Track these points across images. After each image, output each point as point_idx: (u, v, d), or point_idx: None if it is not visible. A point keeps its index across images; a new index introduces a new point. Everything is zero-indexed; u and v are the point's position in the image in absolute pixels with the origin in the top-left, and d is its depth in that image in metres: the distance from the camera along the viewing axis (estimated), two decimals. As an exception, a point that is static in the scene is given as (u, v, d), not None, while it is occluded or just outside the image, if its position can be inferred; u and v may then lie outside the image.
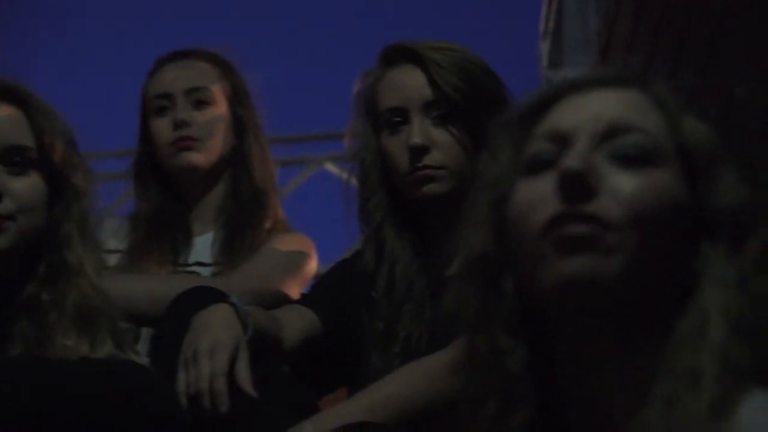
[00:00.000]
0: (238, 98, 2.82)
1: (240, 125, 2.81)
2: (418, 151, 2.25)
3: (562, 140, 1.29)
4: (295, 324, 2.29)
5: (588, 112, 1.30)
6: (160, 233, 2.75)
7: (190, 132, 2.74)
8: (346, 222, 2.38)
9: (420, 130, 2.26)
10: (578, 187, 1.23)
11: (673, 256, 1.25)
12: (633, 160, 1.26)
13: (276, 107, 2.99)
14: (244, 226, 2.74)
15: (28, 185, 2.06)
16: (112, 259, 2.74)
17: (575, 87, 1.34)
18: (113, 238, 2.79)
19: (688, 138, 1.29)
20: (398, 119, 2.29)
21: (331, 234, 2.92)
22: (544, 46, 3.98)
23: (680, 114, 1.31)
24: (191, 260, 2.76)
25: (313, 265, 2.74)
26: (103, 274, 2.16)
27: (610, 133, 1.28)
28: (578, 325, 1.26)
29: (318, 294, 2.42)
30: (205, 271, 2.72)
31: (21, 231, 2.03)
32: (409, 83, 2.29)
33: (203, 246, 2.77)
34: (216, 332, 2.05)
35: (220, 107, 2.80)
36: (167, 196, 2.79)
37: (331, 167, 5.69)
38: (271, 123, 2.94)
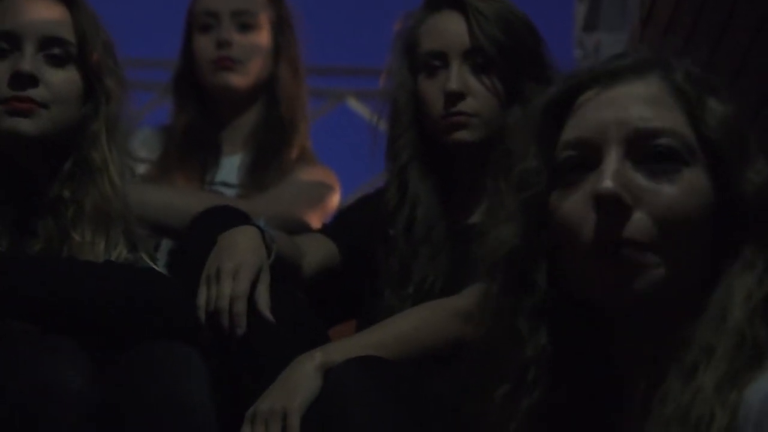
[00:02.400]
0: (281, 27, 2.85)
1: (278, 53, 2.84)
2: (454, 97, 2.26)
3: (590, 148, 1.32)
4: (316, 252, 2.33)
5: (612, 116, 1.32)
6: (191, 149, 2.79)
7: (231, 52, 2.78)
8: (370, 159, 2.40)
9: (458, 76, 2.27)
10: (615, 208, 1.28)
11: (708, 249, 1.30)
12: (664, 164, 1.30)
13: (304, 35, 3.02)
14: (272, 152, 2.77)
15: (64, 77, 2.11)
16: (141, 168, 2.78)
17: (595, 80, 1.36)
18: (143, 147, 2.83)
19: (710, 129, 1.32)
20: (437, 63, 2.30)
21: (347, 170, 2.95)
22: (581, 8, 3.98)
23: (701, 102, 1.33)
24: (217, 179, 2.80)
25: (335, 199, 2.78)
26: (129, 180, 2.21)
27: (638, 138, 1.31)
28: (623, 320, 1.33)
29: (340, 226, 2.45)
30: (229, 192, 2.76)
31: (53, 121, 2.08)
32: (452, 29, 2.30)
33: (230, 167, 2.80)
34: (241, 253, 2.08)
35: (264, 33, 2.83)
36: (202, 113, 2.82)
37: (353, 103, 5.66)
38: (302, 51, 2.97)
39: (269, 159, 2.77)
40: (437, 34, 2.31)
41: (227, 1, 2.83)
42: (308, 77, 3.00)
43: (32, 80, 2.07)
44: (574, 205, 1.31)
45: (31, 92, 2.07)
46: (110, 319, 1.96)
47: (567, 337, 1.35)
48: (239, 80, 2.80)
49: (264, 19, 2.84)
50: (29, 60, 2.07)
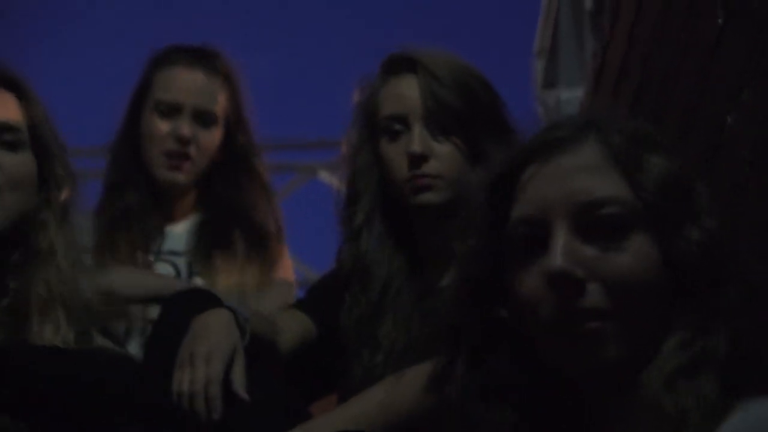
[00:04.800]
0: (239, 124, 2.86)
1: (243, 151, 2.85)
2: (417, 159, 2.28)
3: (539, 225, 1.35)
4: (292, 329, 2.33)
5: (555, 192, 1.34)
6: (136, 225, 2.78)
7: (188, 150, 2.79)
8: (335, 230, 2.41)
9: (420, 138, 2.29)
10: (568, 284, 1.30)
11: (665, 303, 1.32)
12: (611, 232, 1.32)
13: (272, 108, 3.03)
14: (220, 223, 2.80)
15: (19, 160, 2.12)
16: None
17: (535, 152, 1.38)
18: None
19: (648, 191, 1.34)
20: (398, 127, 2.32)
21: (322, 243, 2.96)
22: (539, 65, 4.00)
23: (638, 163, 1.35)
24: (165, 248, 2.80)
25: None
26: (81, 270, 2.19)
27: (583, 211, 1.33)
28: (592, 385, 1.34)
29: (313, 299, 2.45)
30: (178, 260, 2.76)
31: (4, 207, 2.08)
32: (411, 93, 2.32)
33: (177, 235, 2.81)
34: (214, 337, 2.08)
35: (219, 128, 2.85)
36: (142, 186, 2.82)
37: (325, 176, 5.69)
38: (266, 124, 2.99)
39: (219, 225, 2.79)
40: (397, 98, 2.34)
41: (191, 94, 2.81)
42: (277, 152, 3.01)
43: None
44: (531, 286, 1.33)
45: None
46: (65, 405, 1.95)
47: (536, 409, 1.37)
48: (186, 178, 2.81)
49: (221, 114, 2.84)
50: None
